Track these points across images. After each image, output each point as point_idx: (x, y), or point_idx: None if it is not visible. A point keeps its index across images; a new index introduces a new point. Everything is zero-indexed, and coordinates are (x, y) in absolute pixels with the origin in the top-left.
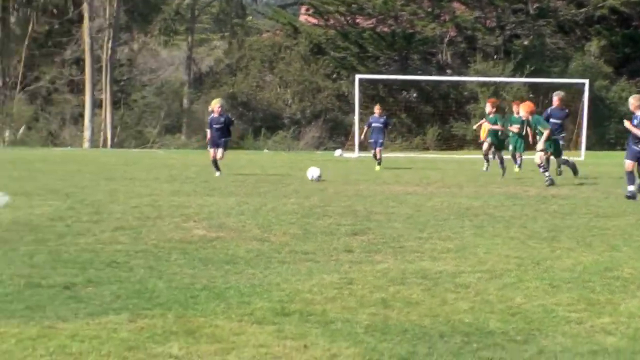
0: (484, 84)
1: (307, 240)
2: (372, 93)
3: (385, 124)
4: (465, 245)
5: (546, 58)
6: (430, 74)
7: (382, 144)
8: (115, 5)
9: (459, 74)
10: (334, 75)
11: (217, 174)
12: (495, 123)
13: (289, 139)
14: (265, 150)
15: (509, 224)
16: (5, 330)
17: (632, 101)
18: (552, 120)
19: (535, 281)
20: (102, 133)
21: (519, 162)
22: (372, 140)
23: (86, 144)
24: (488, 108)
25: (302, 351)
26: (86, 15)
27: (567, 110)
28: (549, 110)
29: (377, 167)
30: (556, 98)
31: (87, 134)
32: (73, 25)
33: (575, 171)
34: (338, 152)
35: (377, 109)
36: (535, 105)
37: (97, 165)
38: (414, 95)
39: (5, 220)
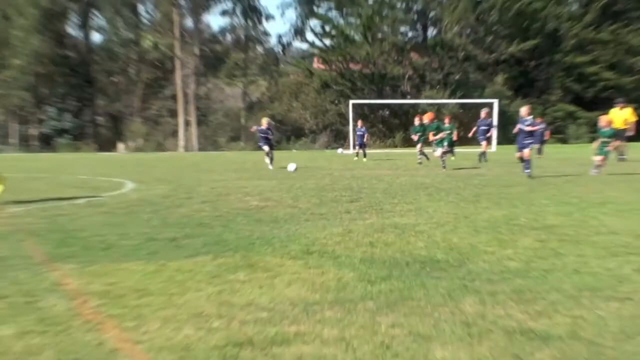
0: (431, 104)
1: (322, 206)
2: (360, 112)
3: (364, 132)
4: (421, 206)
5: (470, 87)
6: (397, 99)
7: (365, 145)
8: (196, 60)
9: (415, 98)
10: (336, 102)
11: (270, 167)
12: (418, 133)
13: (309, 143)
14: (294, 150)
15: (448, 193)
16: (135, 268)
17: (523, 109)
18: (480, 127)
19: (465, 228)
20: (190, 142)
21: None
22: (357, 143)
23: (181, 149)
24: (416, 122)
25: (321, 275)
26: (177, 66)
27: (490, 120)
28: (479, 120)
29: (358, 158)
30: (483, 112)
31: (181, 142)
32: (169, 73)
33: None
34: (339, 150)
35: (359, 123)
36: (464, 118)
37: (188, 162)
38: (387, 112)
39: (133, 198)
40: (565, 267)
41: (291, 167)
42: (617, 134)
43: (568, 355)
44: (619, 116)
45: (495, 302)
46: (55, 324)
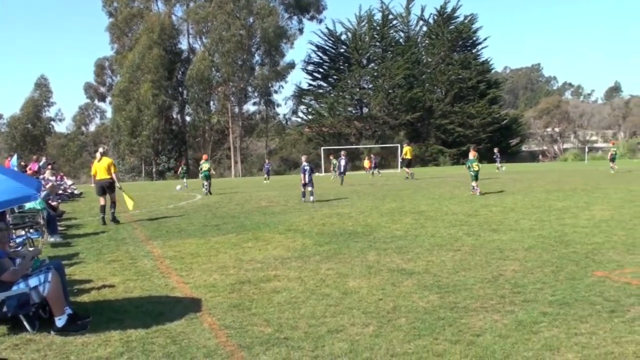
0: (365, 147)
1: (299, 204)
2: (327, 153)
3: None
4: (353, 203)
5: (386, 138)
6: (346, 146)
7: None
8: (240, 128)
9: (357, 145)
10: (315, 147)
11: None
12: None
13: (299, 171)
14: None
15: (368, 195)
16: (193, 241)
17: (304, 157)
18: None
19: (375, 214)
20: (237, 172)
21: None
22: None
23: (232, 177)
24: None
25: (293, 242)
26: (230, 132)
27: (342, 158)
28: (339, 158)
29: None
30: (342, 153)
31: (232, 172)
32: (226, 135)
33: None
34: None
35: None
36: (384, 154)
37: (233, 184)
38: (343, 153)
39: (199, 203)
40: (426, 233)
41: (177, 187)
42: (404, 162)
43: (421, 282)
44: (408, 150)
45: (385, 254)
46: (143, 275)
